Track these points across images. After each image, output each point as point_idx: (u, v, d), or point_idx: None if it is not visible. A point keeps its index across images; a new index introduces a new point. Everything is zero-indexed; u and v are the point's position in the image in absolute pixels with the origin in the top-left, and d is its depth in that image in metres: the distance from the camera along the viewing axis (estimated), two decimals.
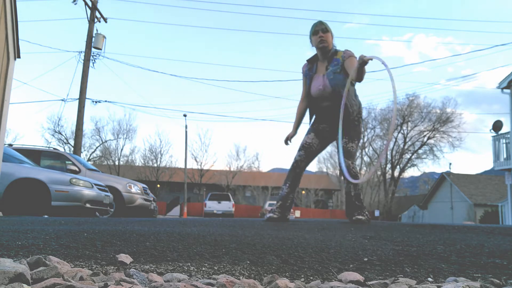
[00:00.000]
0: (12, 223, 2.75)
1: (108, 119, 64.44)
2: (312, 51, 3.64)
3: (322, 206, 42.83)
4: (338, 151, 3.48)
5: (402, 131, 39.80)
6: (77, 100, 14.64)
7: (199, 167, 41.04)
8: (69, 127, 39.75)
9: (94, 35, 15.03)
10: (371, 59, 3.05)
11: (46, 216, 6.05)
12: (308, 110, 3.73)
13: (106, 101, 17.91)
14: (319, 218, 30.72)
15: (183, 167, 32.92)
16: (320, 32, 3.47)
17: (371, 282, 1.17)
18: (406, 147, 39.85)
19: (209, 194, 26.45)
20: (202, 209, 28.50)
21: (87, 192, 6.63)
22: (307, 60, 3.67)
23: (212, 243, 1.79)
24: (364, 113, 41.21)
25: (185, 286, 1.02)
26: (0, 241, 1.68)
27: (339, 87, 3.40)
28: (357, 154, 4.10)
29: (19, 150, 8.25)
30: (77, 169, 8.43)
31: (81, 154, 16.06)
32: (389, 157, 40.43)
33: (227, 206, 24.24)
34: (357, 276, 1.22)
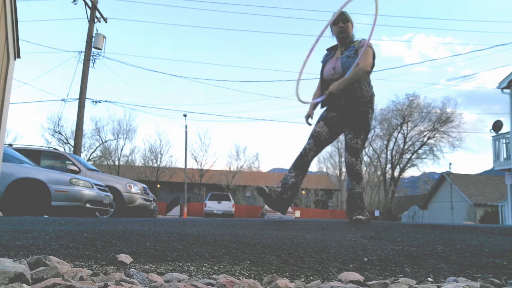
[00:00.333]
0: (12, 223, 2.75)
1: (108, 119, 64.47)
2: (332, 41, 3.63)
3: (322, 206, 42.82)
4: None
5: (402, 131, 39.81)
6: (77, 100, 14.65)
7: (199, 167, 41.04)
8: (69, 127, 39.79)
9: (94, 35, 15.03)
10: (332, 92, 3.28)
11: (46, 216, 6.05)
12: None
13: (106, 101, 17.92)
14: (319, 218, 30.71)
15: (183, 167, 32.93)
16: (340, 22, 3.47)
17: (371, 282, 1.17)
18: (406, 147, 39.84)
19: (209, 194, 26.45)
20: (202, 209, 28.49)
21: (87, 192, 6.63)
22: (327, 49, 3.67)
23: (212, 243, 1.79)
24: None
25: (185, 286, 1.02)
26: (0, 241, 1.68)
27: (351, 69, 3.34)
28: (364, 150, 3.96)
29: (19, 150, 8.25)
30: (77, 169, 8.43)
31: (81, 154, 16.06)
32: (389, 157, 40.44)
33: (227, 206, 24.23)
34: (357, 276, 1.22)
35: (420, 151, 39.78)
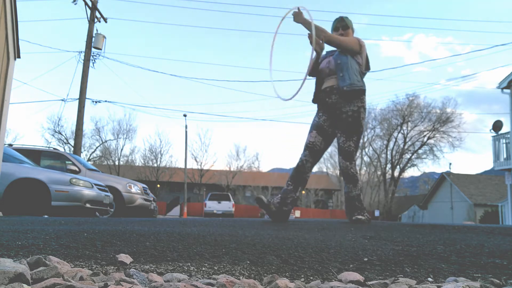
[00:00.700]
0: (12, 223, 2.75)
1: (108, 119, 64.50)
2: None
3: (322, 206, 42.83)
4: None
5: (402, 131, 39.82)
6: (77, 100, 14.65)
7: (199, 167, 41.05)
8: (69, 127, 39.79)
9: (94, 35, 15.03)
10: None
11: (46, 216, 6.05)
12: (314, 93, 3.60)
13: (106, 101, 17.92)
14: (319, 218, 30.71)
15: (183, 167, 32.93)
16: (340, 29, 3.51)
17: (371, 282, 1.17)
18: (406, 147, 39.84)
19: (209, 194, 26.45)
20: (202, 209, 28.50)
21: (87, 192, 6.63)
22: (327, 51, 3.67)
23: (212, 243, 1.79)
24: None
25: (185, 286, 1.02)
26: (0, 241, 1.68)
27: (342, 60, 3.37)
28: (358, 152, 3.91)
29: (19, 150, 8.25)
30: (77, 169, 8.43)
31: (81, 154, 16.06)
32: (389, 157, 40.45)
33: (227, 206, 24.24)
34: (357, 276, 1.22)
35: (420, 151, 39.80)
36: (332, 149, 44.27)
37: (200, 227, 2.57)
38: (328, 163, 45.81)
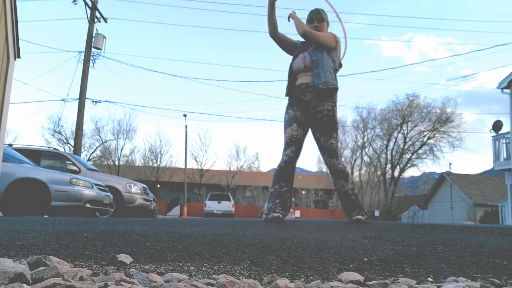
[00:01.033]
0: (12, 223, 2.75)
1: (108, 119, 64.38)
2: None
3: (322, 206, 42.83)
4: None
5: (402, 131, 39.83)
6: (77, 100, 14.65)
7: (199, 167, 41.05)
8: (69, 127, 39.74)
9: (94, 35, 15.03)
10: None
11: (46, 216, 6.05)
12: (287, 87, 3.55)
13: (106, 101, 17.92)
14: (319, 218, 30.71)
15: (183, 167, 32.94)
16: (315, 21, 3.47)
17: (371, 282, 1.17)
18: (406, 147, 39.85)
19: (209, 194, 26.44)
20: (202, 209, 28.49)
21: (87, 192, 6.63)
22: (300, 43, 3.61)
23: (212, 243, 1.79)
24: (364, 113, 41.26)
25: (185, 286, 1.02)
26: (0, 241, 1.68)
27: (318, 57, 3.34)
28: (340, 147, 3.88)
29: (19, 150, 8.25)
30: (77, 169, 8.43)
31: (81, 154, 16.06)
32: (389, 157, 40.45)
33: (227, 206, 24.23)
34: (357, 276, 1.22)
35: (420, 151, 39.80)
36: None
37: (200, 227, 2.57)
38: None
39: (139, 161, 42.14)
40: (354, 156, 43.64)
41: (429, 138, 39.02)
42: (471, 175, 33.97)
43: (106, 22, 15.49)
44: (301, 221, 3.82)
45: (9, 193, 6.14)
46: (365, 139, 42.16)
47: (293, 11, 3.47)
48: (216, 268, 1.36)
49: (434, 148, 39.05)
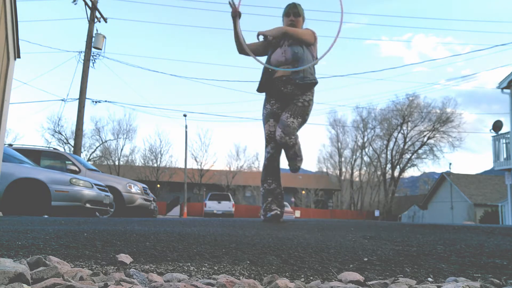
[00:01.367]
0: (12, 223, 2.75)
1: (108, 119, 64.44)
2: None
3: (322, 206, 42.83)
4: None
5: (402, 131, 39.84)
6: (77, 100, 14.65)
7: (199, 167, 41.05)
8: (69, 127, 39.74)
9: (94, 35, 15.03)
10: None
11: (46, 216, 6.05)
12: (260, 82, 3.52)
13: (106, 101, 17.92)
14: (319, 218, 30.72)
15: (183, 167, 32.94)
16: (292, 15, 3.46)
17: (371, 282, 1.17)
18: (406, 147, 39.87)
19: (209, 194, 26.43)
20: (202, 209, 28.49)
21: (87, 192, 6.63)
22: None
23: (212, 243, 1.79)
24: (364, 113, 41.27)
25: (185, 286, 1.02)
26: (0, 241, 1.68)
27: (299, 51, 3.34)
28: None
29: (19, 150, 8.25)
30: (77, 169, 8.43)
31: (81, 154, 16.06)
32: (389, 157, 40.46)
33: (227, 206, 24.22)
34: (357, 276, 1.22)
35: (420, 151, 39.83)
36: (333, 149, 44.42)
37: (200, 227, 2.57)
38: (328, 163, 45.86)
39: (139, 161, 42.20)
40: (354, 156, 43.69)
41: (429, 138, 39.04)
42: (471, 175, 33.98)
43: (106, 22, 15.50)
44: (301, 221, 3.82)
45: (9, 193, 6.14)
46: (365, 139, 42.19)
47: (258, 32, 3.45)
48: (216, 268, 1.36)
49: (434, 148, 39.10)
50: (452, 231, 2.73)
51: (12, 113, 71.87)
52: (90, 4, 14.83)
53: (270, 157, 3.41)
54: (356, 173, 43.78)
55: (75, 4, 14.30)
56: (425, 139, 39.20)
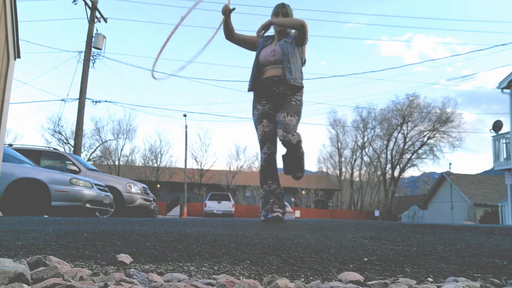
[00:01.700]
0: (12, 223, 2.75)
1: (108, 119, 64.41)
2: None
3: (322, 206, 42.82)
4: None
5: (402, 131, 39.84)
6: (77, 100, 14.65)
7: (199, 167, 41.05)
8: (69, 127, 39.74)
9: (94, 35, 15.03)
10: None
11: (46, 216, 6.05)
12: (252, 82, 3.51)
13: (106, 101, 17.93)
14: (319, 218, 30.72)
15: (183, 167, 32.94)
16: (280, 15, 3.47)
17: (371, 282, 1.17)
18: (406, 147, 39.87)
19: (209, 194, 26.43)
20: (202, 209, 28.49)
21: (87, 192, 6.63)
22: (265, 36, 3.59)
23: (212, 243, 1.79)
24: (364, 113, 41.27)
25: (185, 286, 1.02)
26: (0, 241, 1.68)
27: (289, 51, 3.33)
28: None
29: (19, 150, 8.25)
30: (77, 169, 8.43)
31: (81, 154, 16.06)
32: (389, 157, 40.46)
33: (227, 206, 24.22)
34: (357, 276, 1.22)
35: (420, 151, 39.83)
36: (333, 149, 44.42)
37: (200, 227, 2.57)
38: (328, 163, 45.87)
39: (139, 161, 42.19)
40: (354, 156, 43.70)
41: (429, 138, 39.05)
42: (471, 175, 33.98)
43: (106, 22, 15.49)
44: (301, 221, 3.82)
45: (9, 193, 6.14)
46: (365, 139, 42.20)
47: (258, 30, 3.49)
48: (216, 268, 1.36)
49: (434, 148, 39.11)
50: (452, 231, 2.73)
51: (12, 113, 71.89)
52: (90, 4, 14.83)
53: (267, 158, 3.40)
54: (356, 173, 43.82)
55: (75, 4, 14.31)
56: (425, 139, 39.22)
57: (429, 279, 1.28)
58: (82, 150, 21.37)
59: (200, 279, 1.20)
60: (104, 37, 15.18)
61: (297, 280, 1.24)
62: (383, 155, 41.10)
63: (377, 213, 36.02)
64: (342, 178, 44.56)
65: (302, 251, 1.66)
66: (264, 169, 3.41)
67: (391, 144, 40.44)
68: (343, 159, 44.33)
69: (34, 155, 8.53)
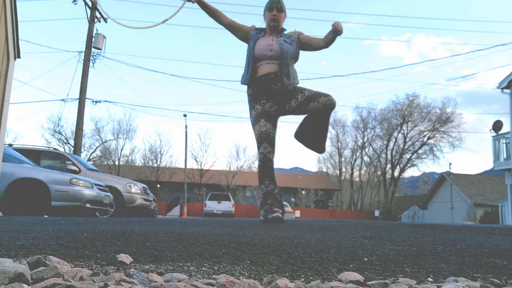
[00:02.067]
0: (12, 223, 2.75)
1: (108, 119, 64.54)
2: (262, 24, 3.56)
3: (322, 206, 42.81)
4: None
5: (402, 131, 39.84)
6: (77, 100, 14.65)
7: (199, 167, 41.05)
8: (69, 127, 39.80)
9: (94, 35, 15.03)
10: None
11: (46, 216, 6.05)
12: (249, 78, 3.45)
13: (106, 101, 17.93)
14: (319, 218, 30.72)
15: (183, 167, 32.94)
16: (275, 10, 3.42)
17: (371, 282, 1.17)
18: (406, 147, 39.88)
19: (209, 194, 26.42)
20: (202, 209, 28.49)
21: (87, 192, 6.63)
22: (256, 28, 3.55)
23: (212, 243, 1.79)
24: (364, 113, 41.27)
25: (185, 286, 1.02)
26: (0, 241, 1.68)
27: (289, 53, 3.31)
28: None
29: (19, 150, 8.25)
30: (77, 169, 8.43)
31: (81, 154, 16.06)
32: (389, 157, 40.46)
33: (227, 206, 24.21)
34: (357, 276, 1.22)
35: (420, 151, 39.85)
36: (333, 149, 44.39)
37: (200, 227, 2.57)
38: (328, 163, 45.86)
39: (139, 161, 42.20)
40: (354, 156, 43.71)
41: (429, 138, 39.06)
42: (471, 175, 33.98)
43: (106, 22, 15.49)
44: (301, 221, 3.82)
45: (9, 193, 6.14)
46: (365, 139, 42.20)
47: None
48: (216, 268, 1.36)
49: (434, 148, 39.13)
50: (452, 231, 2.73)
51: (12, 113, 71.89)
52: (90, 4, 14.83)
53: (264, 158, 3.37)
54: (356, 173, 43.82)
55: (75, 4, 14.31)
56: (425, 139, 39.23)
57: (429, 279, 1.28)
58: (82, 150, 21.37)
59: (200, 279, 1.20)
60: (104, 37, 15.18)
61: (297, 280, 1.24)
62: (383, 155, 41.13)
63: (377, 213, 36.02)
64: (342, 178, 44.57)
65: (302, 251, 1.66)
66: (262, 169, 3.38)
67: (391, 144, 40.48)
68: (343, 159, 44.37)
69: (34, 155, 8.53)
